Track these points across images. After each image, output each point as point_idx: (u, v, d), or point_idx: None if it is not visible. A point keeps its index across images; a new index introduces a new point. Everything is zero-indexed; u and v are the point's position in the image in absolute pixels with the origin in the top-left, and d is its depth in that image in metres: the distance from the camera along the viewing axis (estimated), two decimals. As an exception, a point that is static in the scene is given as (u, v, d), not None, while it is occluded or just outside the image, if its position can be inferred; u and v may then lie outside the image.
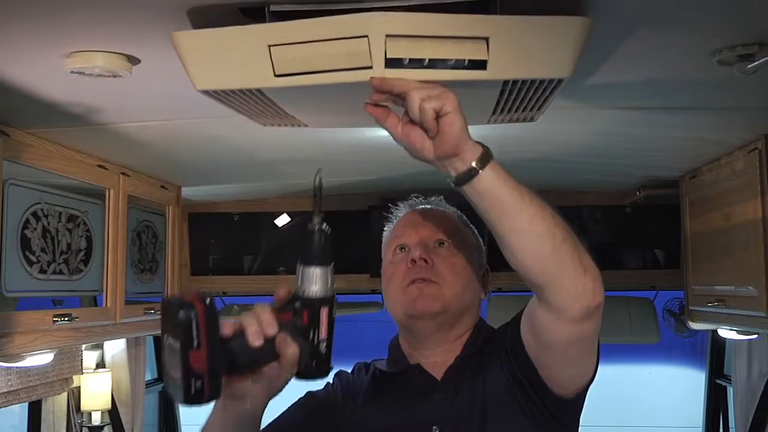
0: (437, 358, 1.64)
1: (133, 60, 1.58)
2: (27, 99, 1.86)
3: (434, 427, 1.55)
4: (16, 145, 2.13)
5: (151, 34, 1.45)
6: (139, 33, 1.45)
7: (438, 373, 1.63)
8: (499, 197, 1.27)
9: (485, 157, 1.26)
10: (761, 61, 1.51)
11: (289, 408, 1.66)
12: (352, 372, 1.75)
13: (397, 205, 1.81)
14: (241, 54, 1.29)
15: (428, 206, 1.78)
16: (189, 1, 1.28)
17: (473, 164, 1.25)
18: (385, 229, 1.80)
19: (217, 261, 4.04)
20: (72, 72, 1.58)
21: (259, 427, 1.35)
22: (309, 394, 1.69)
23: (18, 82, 1.74)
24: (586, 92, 1.86)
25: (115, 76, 1.61)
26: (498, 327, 1.69)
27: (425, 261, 1.62)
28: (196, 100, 1.90)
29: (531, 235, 1.29)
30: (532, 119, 1.71)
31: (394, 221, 1.78)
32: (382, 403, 1.64)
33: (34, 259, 2.24)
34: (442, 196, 1.78)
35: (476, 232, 1.76)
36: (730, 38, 1.49)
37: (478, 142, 1.27)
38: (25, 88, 1.79)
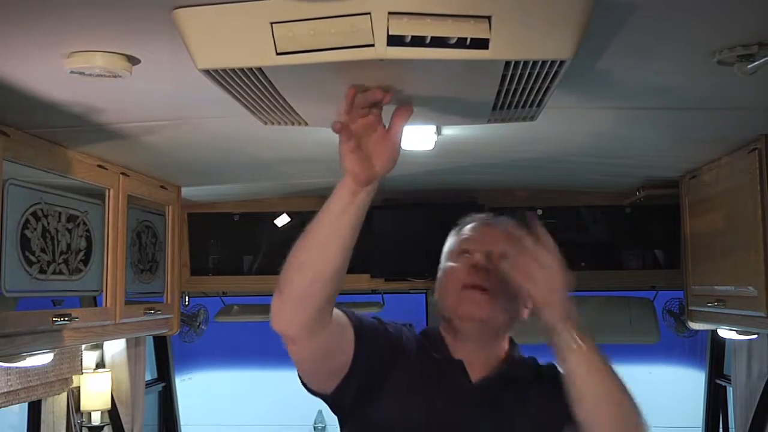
0: (477, 360, 1.77)
1: (133, 60, 1.58)
2: (27, 99, 1.86)
3: (460, 416, 1.69)
4: (16, 145, 2.13)
5: (151, 34, 1.45)
6: (139, 33, 1.45)
7: (474, 375, 1.76)
8: None
9: None
10: (761, 61, 1.51)
11: (379, 321, 1.77)
12: (403, 328, 1.83)
13: (468, 216, 1.88)
14: (243, 31, 1.29)
15: (496, 222, 1.84)
16: (189, 1, 1.28)
17: None
18: (449, 237, 1.86)
19: (216, 261, 4.04)
20: (72, 72, 1.58)
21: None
22: (381, 321, 1.77)
23: (18, 82, 1.74)
24: (586, 92, 1.86)
25: (115, 76, 1.61)
26: (542, 363, 1.82)
27: (485, 269, 1.73)
28: (196, 100, 1.91)
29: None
30: (532, 118, 1.71)
31: (462, 231, 1.85)
32: (423, 378, 1.73)
33: (33, 259, 2.24)
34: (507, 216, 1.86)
35: None
36: (730, 38, 1.49)
37: None
38: (26, 89, 1.79)
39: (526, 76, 1.39)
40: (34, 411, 3.02)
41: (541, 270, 1.50)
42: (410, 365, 1.74)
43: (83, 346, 3.13)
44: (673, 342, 4.66)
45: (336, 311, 1.59)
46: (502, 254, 1.69)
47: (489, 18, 1.23)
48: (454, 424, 1.69)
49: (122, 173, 2.77)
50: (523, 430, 1.71)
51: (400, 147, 1.44)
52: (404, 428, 1.70)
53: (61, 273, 2.40)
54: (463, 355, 1.77)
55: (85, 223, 2.55)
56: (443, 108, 1.70)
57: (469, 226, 1.84)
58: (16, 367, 2.60)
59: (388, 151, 1.41)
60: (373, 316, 1.79)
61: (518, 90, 1.48)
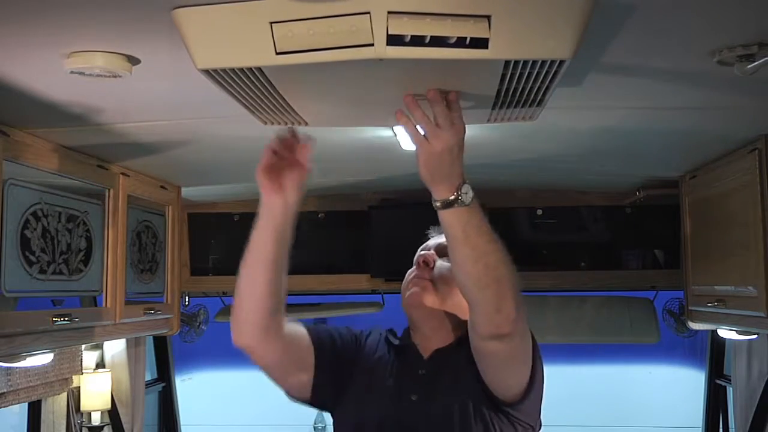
0: (429, 342, 1.91)
1: (132, 60, 1.58)
2: (27, 99, 1.86)
3: (413, 395, 1.83)
4: (16, 145, 2.13)
5: (150, 34, 1.45)
6: (139, 33, 1.45)
7: (426, 354, 1.90)
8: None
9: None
10: (761, 61, 1.51)
11: (336, 327, 1.99)
12: (370, 334, 2.03)
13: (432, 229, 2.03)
14: (243, 31, 1.29)
15: None
16: (188, 1, 1.28)
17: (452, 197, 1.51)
18: None
19: (216, 261, 4.03)
20: (72, 72, 1.58)
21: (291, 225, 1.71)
22: (343, 329, 1.99)
23: (18, 82, 1.74)
24: (585, 92, 1.86)
25: (115, 76, 1.61)
26: None
27: (426, 263, 1.91)
28: (196, 100, 1.91)
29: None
30: (531, 118, 1.71)
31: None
32: (384, 365, 1.92)
33: (33, 259, 2.23)
34: None
35: None
36: (730, 39, 1.49)
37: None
38: (26, 89, 1.79)
39: (525, 75, 1.39)
40: (34, 411, 3.02)
41: (435, 130, 1.45)
42: (375, 363, 1.92)
43: (83, 346, 3.13)
44: (673, 342, 4.66)
45: (292, 323, 1.81)
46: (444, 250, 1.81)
47: (488, 17, 1.23)
48: (406, 406, 1.83)
49: (122, 173, 2.77)
50: (460, 395, 1.81)
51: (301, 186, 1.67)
52: (370, 421, 1.85)
53: (61, 273, 2.40)
54: (418, 340, 1.93)
55: (85, 223, 2.55)
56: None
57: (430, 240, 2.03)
58: (16, 367, 2.60)
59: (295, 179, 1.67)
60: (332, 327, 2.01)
61: (518, 89, 1.48)
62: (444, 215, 1.53)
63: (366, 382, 1.90)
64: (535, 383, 1.78)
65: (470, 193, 1.52)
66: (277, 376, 1.84)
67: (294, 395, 1.90)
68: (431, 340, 1.91)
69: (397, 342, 1.96)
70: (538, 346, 1.81)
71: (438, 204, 1.52)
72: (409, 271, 1.96)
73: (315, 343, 1.87)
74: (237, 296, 1.70)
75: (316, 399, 1.90)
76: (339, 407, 1.92)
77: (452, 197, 1.50)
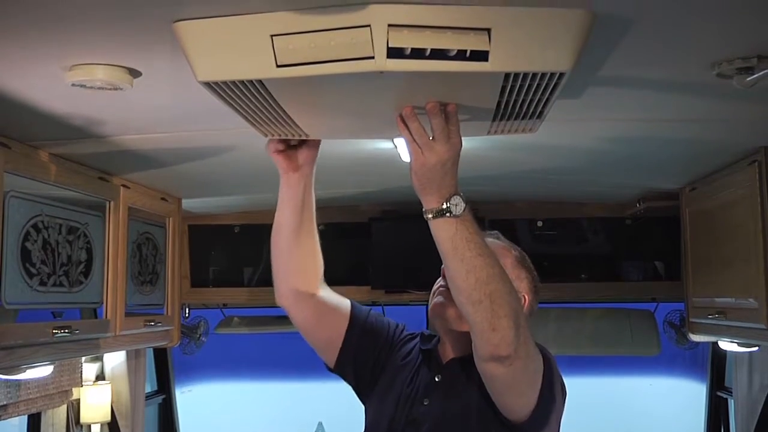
0: (449, 351, 1.94)
1: (134, 73, 1.58)
2: (28, 112, 1.87)
3: (426, 400, 1.87)
4: (17, 158, 2.13)
5: (151, 47, 1.45)
6: (139, 46, 1.46)
7: (444, 361, 1.94)
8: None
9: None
10: (760, 74, 1.52)
11: (382, 316, 2.09)
12: (413, 337, 2.07)
13: None
14: (243, 44, 1.29)
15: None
16: (189, 13, 1.29)
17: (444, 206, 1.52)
18: None
19: (217, 273, 4.03)
20: (73, 85, 1.59)
21: (312, 191, 1.85)
22: (396, 323, 2.09)
23: (19, 94, 1.75)
24: (586, 104, 1.86)
25: (116, 89, 1.61)
26: None
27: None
28: (197, 112, 1.92)
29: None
30: (531, 130, 1.72)
31: None
32: (410, 368, 1.97)
33: (34, 271, 2.23)
34: (497, 232, 1.99)
35: (526, 270, 1.93)
36: (730, 51, 1.50)
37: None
38: (27, 101, 1.80)
39: (525, 88, 1.40)
40: (34, 423, 3.01)
41: (430, 143, 1.46)
42: (402, 365, 1.97)
43: (83, 358, 3.12)
44: (673, 354, 4.65)
45: (339, 297, 1.98)
46: None
47: (488, 30, 1.24)
48: (417, 409, 1.87)
49: (123, 185, 2.77)
50: (468, 405, 1.82)
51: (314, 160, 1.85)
52: (383, 420, 1.90)
53: (61, 285, 2.40)
54: (441, 347, 1.96)
55: (85, 235, 2.55)
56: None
57: None
58: (16, 380, 2.59)
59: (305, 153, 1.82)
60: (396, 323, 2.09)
61: (518, 102, 1.49)
62: (432, 225, 1.53)
63: (390, 381, 1.95)
64: (550, 407, 1.75)
65: (461, 205, 1.51)
66: (310, 338, 1.97)
67: (322, 357, 2.00)
68: (451, 349, 1.93)
69: (425, 346, 1.99)
70: (554, 368, 1.78)
71: (427, 214, 1.53)
72: (438, 279, 1.97)
73: (352, 318, 1.97)
74: (272, 264, 1.90)
75: (340, 371, 1.99)
76: (368, 401, 2.00)
77: (441, 207, 1.51)
